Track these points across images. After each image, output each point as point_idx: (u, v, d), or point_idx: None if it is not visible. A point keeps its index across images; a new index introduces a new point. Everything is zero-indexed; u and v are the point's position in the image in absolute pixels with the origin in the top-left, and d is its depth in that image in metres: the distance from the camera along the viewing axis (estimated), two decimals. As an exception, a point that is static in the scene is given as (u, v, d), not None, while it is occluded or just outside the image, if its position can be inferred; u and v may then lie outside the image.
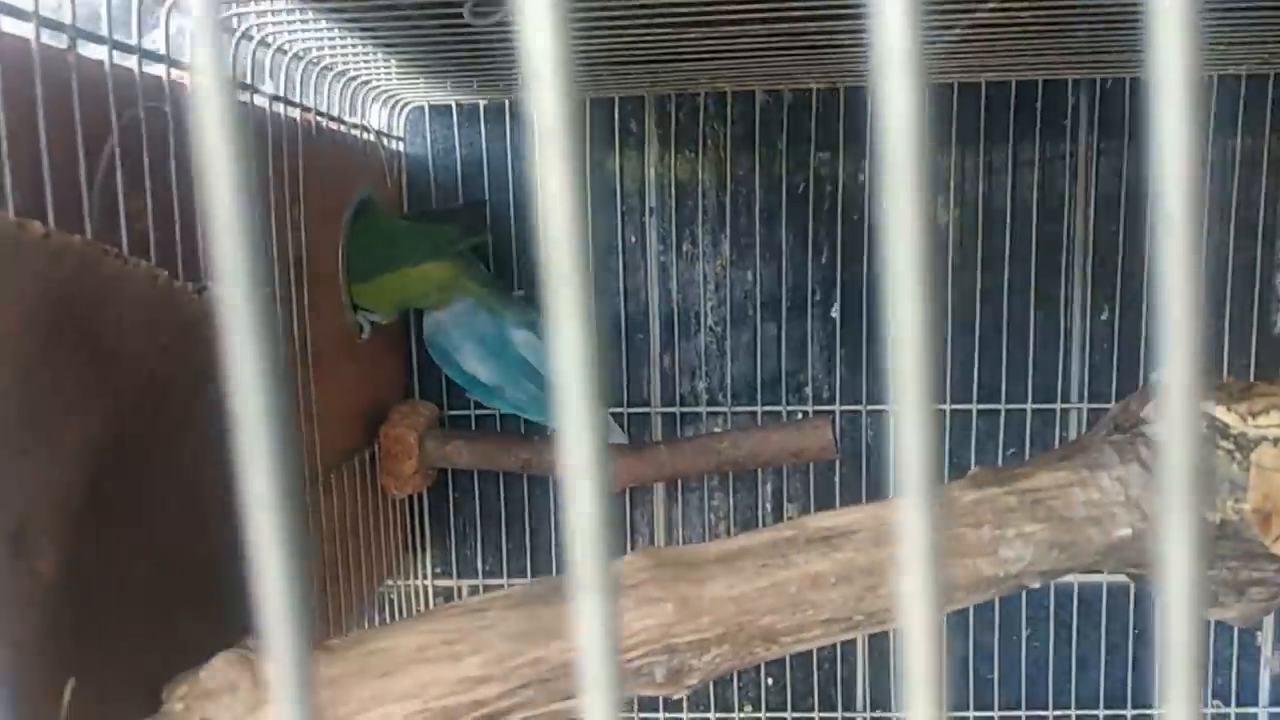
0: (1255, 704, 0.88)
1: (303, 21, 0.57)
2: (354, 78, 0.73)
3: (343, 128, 0.72)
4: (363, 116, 0.76)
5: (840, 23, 0.61)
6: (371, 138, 0.78)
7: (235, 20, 0.55)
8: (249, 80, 0.56)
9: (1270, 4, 0.58)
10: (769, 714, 0.91)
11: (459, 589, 0.91)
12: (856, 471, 0.88)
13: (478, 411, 0.87)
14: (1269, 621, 0.89)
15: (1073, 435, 0.87)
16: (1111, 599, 0.88)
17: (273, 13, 0.57)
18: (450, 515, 0.90)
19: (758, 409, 0.87)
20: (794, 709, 0.91)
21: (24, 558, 0.32)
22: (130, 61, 0.44)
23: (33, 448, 0.32)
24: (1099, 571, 0.41)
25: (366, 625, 0.79)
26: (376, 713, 0.34)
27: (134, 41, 0.44)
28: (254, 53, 0.57)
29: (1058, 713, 0.89)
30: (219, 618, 0.44)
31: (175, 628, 0.39)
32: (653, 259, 0.87)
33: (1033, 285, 0.85)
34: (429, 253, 0.75)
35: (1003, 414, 0.86)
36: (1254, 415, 0.36)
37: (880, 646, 0.89)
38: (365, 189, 0.76)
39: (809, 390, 0.88)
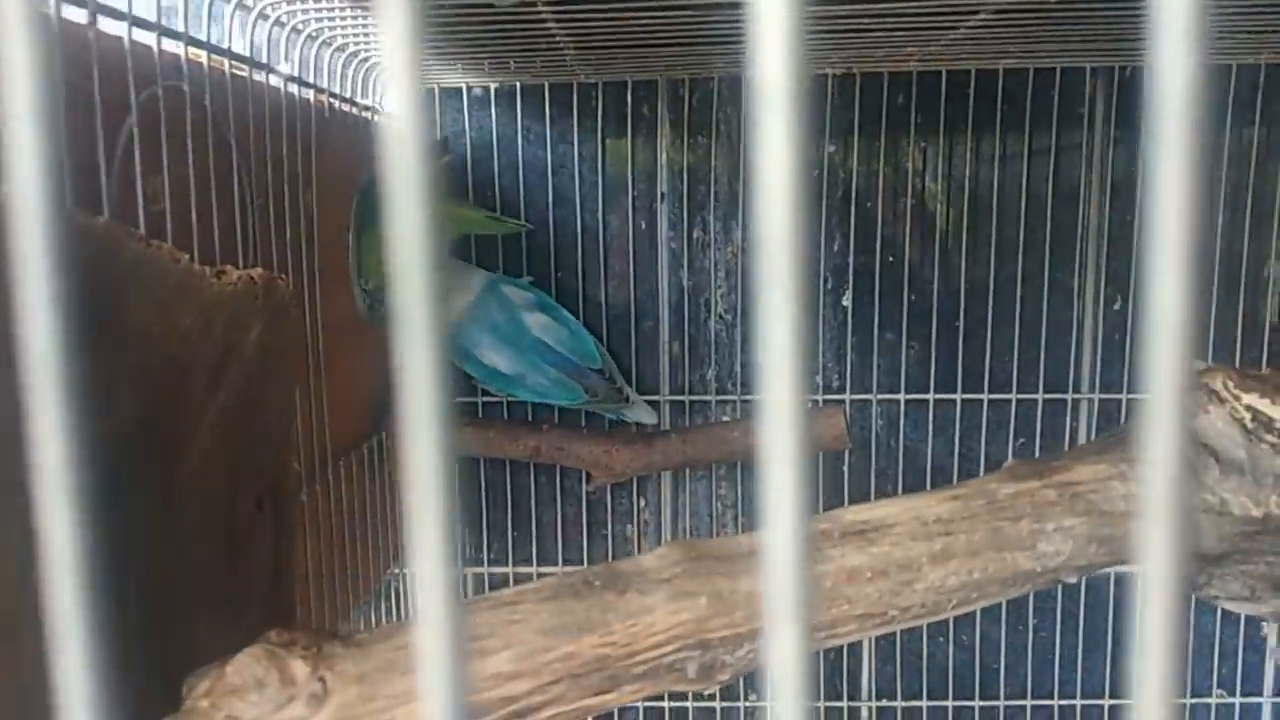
0: (1260, 694, 0.88)
1: (325, 3, 0.56)
2: (365, 59, 0.72)
3: (354, 110, 0.71)
4: (373, 98, 0.75)
5: (862, 6, 0.60)
6: (384, 120, 0.77)
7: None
8: (265, 60, 0.55)
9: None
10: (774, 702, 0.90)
11: (464, 576, 0.90)
12: (866, 461, 0.88)
13: (485, 399, 0.86)
14: (1275, 613, 0.89)
15: (1083, 426, 0.87)
16: (1119, 589, 0.88)
17: (287, -10, 0.56)
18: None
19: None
20: (800, 698, 0.90)
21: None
22: (149, 39, 0.43)
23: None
24: (1129, 565, 0.40)
25: (372, 613, 0.79)
26: (404, 709, 0.33)
27: (153, 18, 0.42)
28: (270, 32, 0.56)
29: (1063, 702, 0.89)
30: (240, 612, 0.44)
31: (195, 622, 0.38)
32: (663, 245, 0.86)
33: (1046, 274, 0.84)
34: None
35: (1014, 404, 0.86)
36: (1296, 410, 0.36)
37: (886, 636, 0.89)
38: (373, 172, 0.74)
39: (819, 379, 0.87)
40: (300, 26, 0.61)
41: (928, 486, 0.87)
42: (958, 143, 0.84)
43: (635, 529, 0.90)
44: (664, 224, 0.86)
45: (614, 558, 0.89)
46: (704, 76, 0.83)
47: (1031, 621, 0.89)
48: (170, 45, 0.45)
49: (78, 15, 0.38)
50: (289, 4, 0.58)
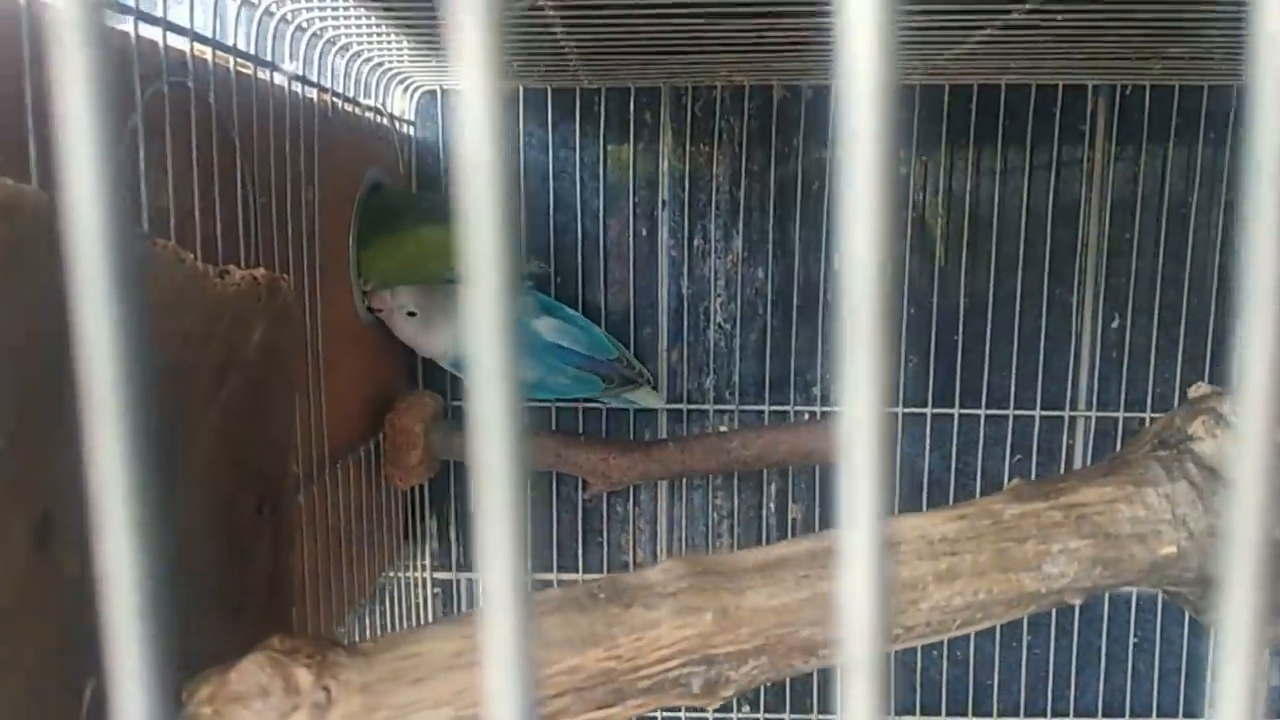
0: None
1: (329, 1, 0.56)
2: (368, 59, 0.72)
3: (357, 110, 0.71)
4: (375, 99, 0.75)
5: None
6: (385, 121, 0.77)
7: (257, -4, 0.53)
8: (270, 58, 0.55)
9: None
10: (767, 714, 0.90)
11: (458, 581, 0.90)
12: (862, 473, 0.87)
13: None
14: (1265, 633, 0.90)
15: (1079, 443, 0.87)
16: (1113, 608, 0.88)
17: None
18: (451, 507, 0.89)
19: (765, 408, 0.86)
20: (792, 709, 0.90)
21: (47, 553, 0.31)
22: (154, 34, 0.42)
23: (58, 438, 0.31)
24: (1133, 586, 0.40)
25: (367, 618, 0.78)
26: None
27: (159, 13, 0.42)
28: (275, 29, 0.55)
29: None
30: (238, 616, 0.43)
31: (197, 627, 0.37)
32: (663, 253, 0.86)
33: (1045, 290, 0.85)
34: (424, 217, 0.73)
35: (1010, 420, 0.86)
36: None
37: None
38: (375, 173, 0.74)
39: (817, 390, 0.87)
40: (305, 25, 0.60)
41: (924, 500, 0.87)
42: (959, 157, 0.84)
43: (630, 538, 0.89)
44: (664, 231, 0.86)
45: (609, 566, 0.89)
46: (707, 85, 0.83)
47: (1026, 638, 0.89)
48: (175, 41, 0.45)
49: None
50: (294, 1, 0.58)
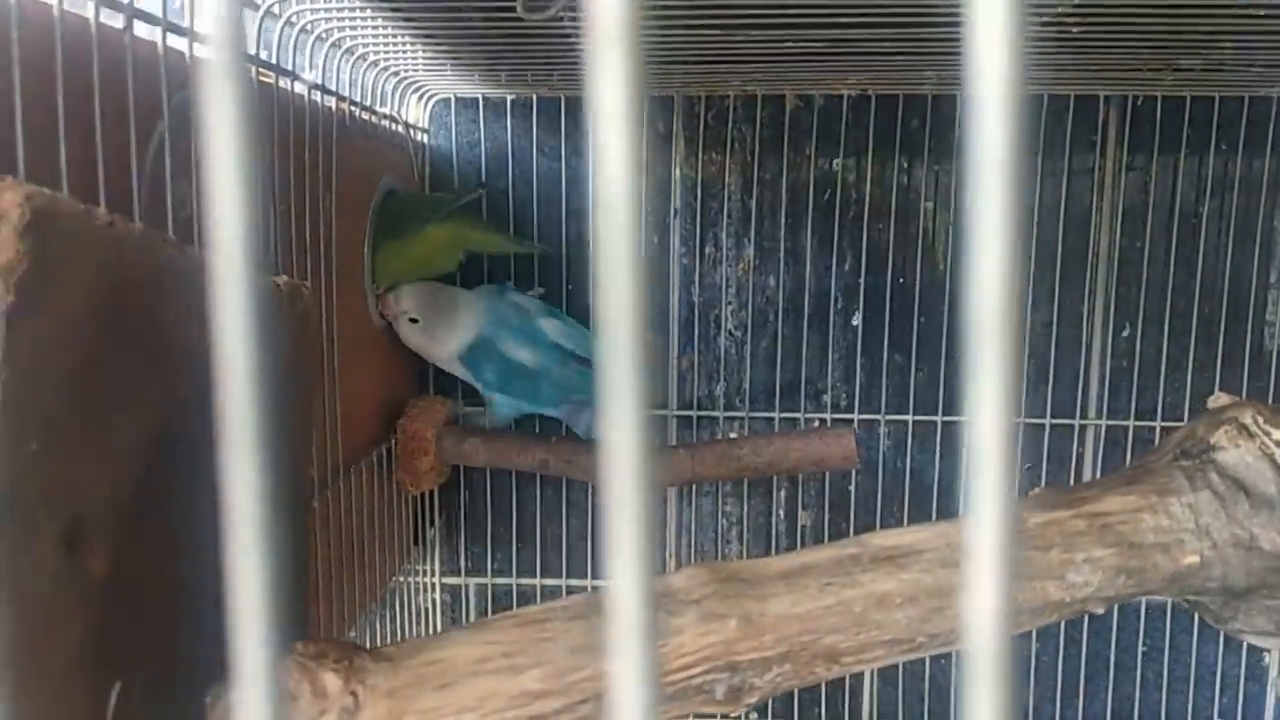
0: (1261, 725, 0.88)
1: (348, 9, 0.56)
2: (385, 67, 0.72)
3: (373, 118, 0.71)
4: (391, 107, 0.75)
5: (886, 30, 0.60)
6: (400, 129, 0.77)
7: (277, 5, 0.53)
8: (290, 67, 0.55)
9: None
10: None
11: (466, 587, 0.90)
12: (872, 481, 0.88)
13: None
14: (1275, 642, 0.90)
15: (1089, 452, 0.87)
16: (1122, 616, 0.88)
17: (315, -2, 0.56)
18: (461, 513, 0.89)
19: (775, 415, 0.87)
20: (800, 717, 0.90)
21: (76, 558, 0.31)
22: (181, 44, 0.43)
23: (88, 443, 0.31)
24: (1155, 596, 0.40)
25: (377, 622, 0.78)
26: (432, 724, 0.33)
27: (186, 23, 0.42)
28: (295, 39, 0.56)
29: (1063, 728, 0.89)
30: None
31: (223, 632, 0.37)
32: (675, 260, 0.86)
33: (1055, 299, 0.85)
34: (429, 215, 0.74)
35: (1020, 428, 0.86)
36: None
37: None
38: (390, 181, 0.74)
39: (827, 398, 0.87)
40: (325, 35, 0.61)
41: (934, 508, 0.87)
42: (970, 166, 0.84)
43: (640, 544, 0.89)
44: (676, 239, 0.86)
45: (617, 572, 0.89)
46: (720, 94, 0.84)
47: (1034, 646, 0.89)
48: (202, 52, 0.45)
49: (114, 20, 0.38)
50: (313, 12, 0.58)
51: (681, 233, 0.86)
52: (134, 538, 0.34)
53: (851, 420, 0.86)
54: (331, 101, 0.62)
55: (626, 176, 0.11)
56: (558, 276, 0.85)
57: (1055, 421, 0.86)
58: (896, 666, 0.89)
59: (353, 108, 0.66)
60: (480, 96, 0.84)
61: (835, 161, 0.84)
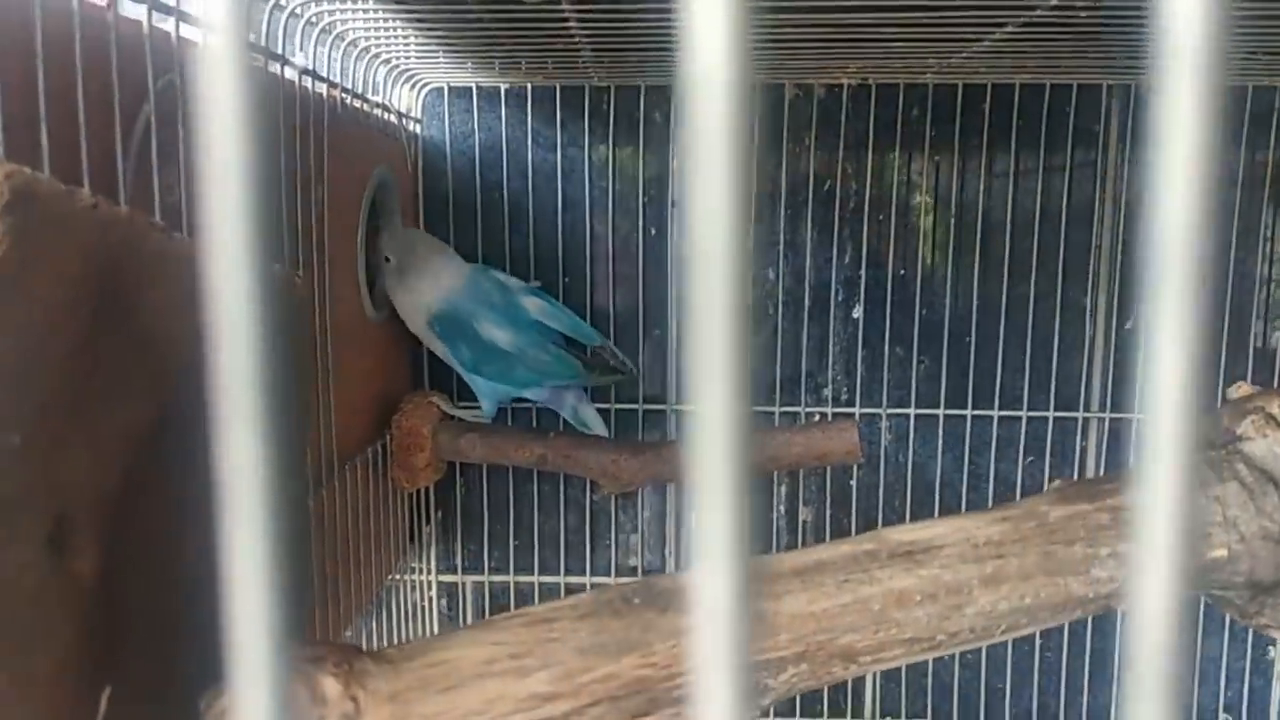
0: (1267, 718, 0.88)
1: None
2: (376, 55, 0.70)
3: (365, 106, 0.69)
4: (383, 96, 0.74)
5: (889, 15, 0.59)
6: (392, 118, 0.76)
7: (268, -13, 0.52)
8: (280, 51, 0.54)
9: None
10: (777, 718, 0.89)
11: (463, 585, 0.89)
12: (874, 475, 0.86)
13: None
14: None
15: (1093, 445, 0.86)
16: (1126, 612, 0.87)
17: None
18: (457, 509, 0.88)
19: (775, 410, 0.85)
20: (802, 713, 0.89)
21: (62, 558, 0.29)
22: (168, 24, 0.41)
23: (72, 438, 0.30)
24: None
25: (373, 621, 0.77)
26: (435, 729, 0.31)
27: (173, 3, 0.41)
28: (285, 24, 0.54)
29: (1066, 724, 0.88)
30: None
31: (215, 635, 0.36)
32: (673, 252, 0.85)
33: (1058, 292, 0.84)
34: None
35: (1024, 421, 0.85)
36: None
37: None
38: (384, 171, 0.73)
39: (828, 391, 0.86)
40: (315, 19, 0.59)
41: (937, 503, 0.86)
42: (971, 157, 0.83)
43: (640, 540, 0.88)
44: (674, 231, 0.84)
45: (617, 570, 0.88)
46: (719, 83, 0.82)
47: (1038, 642, 0.88)
48: (189, 32, 0.43)
49: (99, -4, 0.37)
50: (304, -4, 0.57)
51: (681, 224, 0.84)
52: (123, 536, 0.32)
53: (853, 414, 0.85)
54: (323, 88, 0.60)
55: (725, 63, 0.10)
56: (554, 269, 0.84)
57: (1058, 414, 0.85)
58: (898, 663, 0.88)
59: (344, 95, 0.64)
60: (474, 85, 0.82)
61: (835, 152, 0.83)
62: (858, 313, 0.85)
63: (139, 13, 0.39)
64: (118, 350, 0.32)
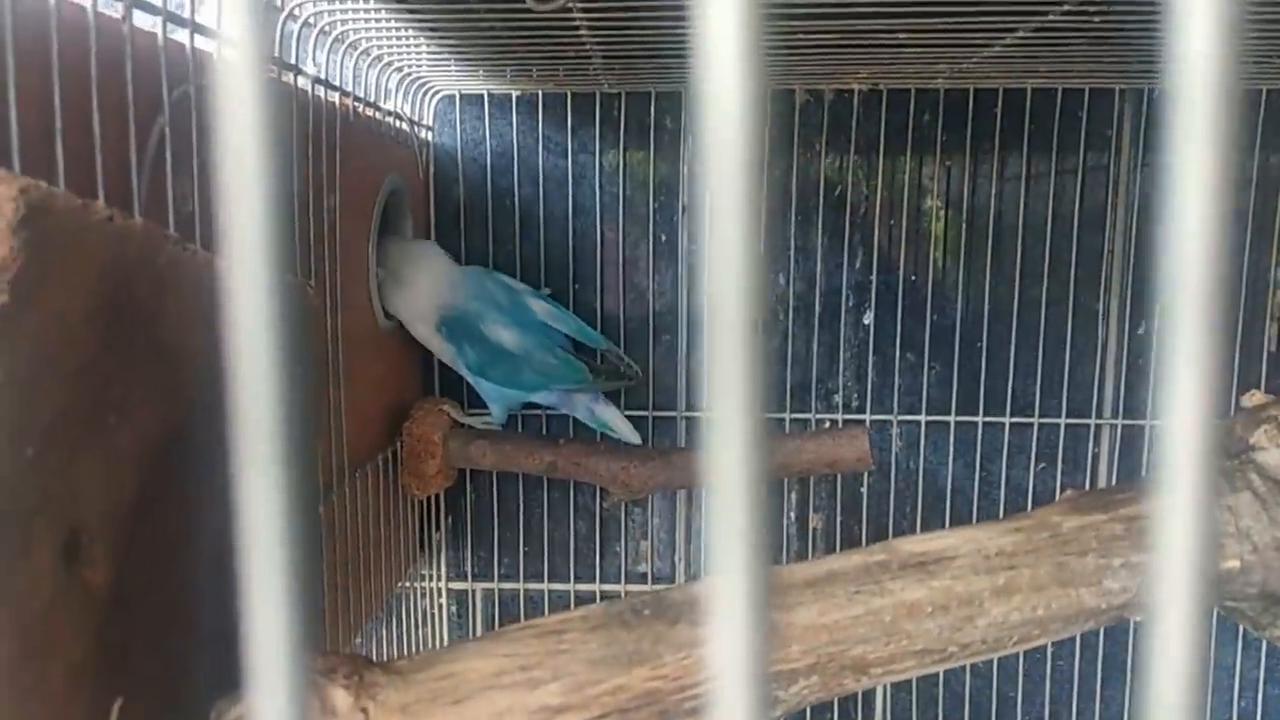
0: (1281, 729, 0.87)
1: (351, 3, 0.55)
2: (389, 63, 0.71)
3: (377, 114, 0.70)
4: (395, 104, 0.74)
5: (901, 21, 0.59)
6: (404, 126, 0.76)
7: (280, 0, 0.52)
8: (294, 61, 0.54)
9: None
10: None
11: (473, 592, 0.89)
12: (885, 482, 0.86)
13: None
14: (1293, 645, 0.88)
15: (1105, 451, 0.85)
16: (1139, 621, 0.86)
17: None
18: (467, 517, 0.88)
19: (786, 416, 0.85)
20: (812, 716, 0.89)
21: (76, 569, 0.29)
22: (182, 36, 0.41)
23: (87, 450, 0.30)
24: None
25: (382, 629, 0.77)
26: (446, 740, 0.31)
27: (187, 15, 0.41)
28: (299, 33, 0.54)
29: (1079, 732, 0.88)
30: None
31: (228, 645, 0.36)
32: (683, 258, 0.85)
33: (1070, 297, 0.83)
34: None
35: (1035, 427, 0.85)
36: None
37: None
38: (395, 179, 0.73)
39: (839, 398, 0.86)
40: (328, 29, 0.59)
41: (948, 511, 0.86)
42: (983, 161, 0.83)
43: (650, 547, 0.88)
44: (685, 237, 0.84)
45: (627, 578, 0.88)
46: (729, 89, 0.82)
47: (1049, 649, 0.88)
48: (203, 44, 0.44)
49: (113, 10, 0.37)
50: (315, 5, 0.57)
51: (690, 230, 0.84)
52: (136, 547, 0.32)
53: (864, 421, 0.85)
54: (335, 97, 0.60)
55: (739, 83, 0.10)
56: (564, 275, 0.84)
57: (1070, 421, 0.84)
58: (910, 670, 0.88)
59: (357, 104, 0.64)
60: (485, 93, 0.82)
61: (846, 157, 0.83)
62: (869, 318, 0.85)
63: (154, 24, 0.40)
64: (132, 362, 0.32)
